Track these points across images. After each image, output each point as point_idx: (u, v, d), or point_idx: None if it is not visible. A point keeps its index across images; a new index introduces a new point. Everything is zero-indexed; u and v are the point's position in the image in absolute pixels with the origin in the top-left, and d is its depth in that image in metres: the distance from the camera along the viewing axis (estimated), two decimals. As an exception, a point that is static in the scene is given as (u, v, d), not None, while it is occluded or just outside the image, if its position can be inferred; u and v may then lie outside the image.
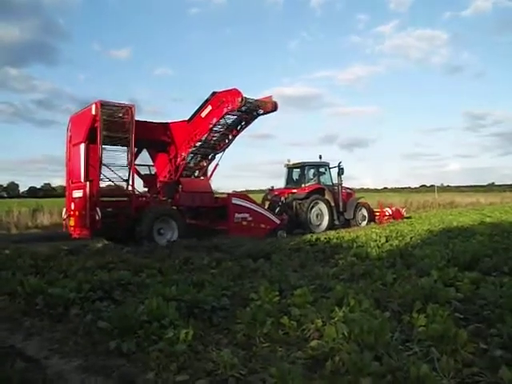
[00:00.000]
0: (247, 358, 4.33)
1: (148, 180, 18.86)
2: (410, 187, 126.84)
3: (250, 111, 19.14)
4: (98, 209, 15.05)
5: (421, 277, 6.91)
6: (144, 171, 18.99)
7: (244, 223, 18.14)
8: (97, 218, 14.95)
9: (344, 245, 12.50)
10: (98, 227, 15.04)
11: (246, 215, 18.28)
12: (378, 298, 6.04)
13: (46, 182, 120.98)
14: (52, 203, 30.88)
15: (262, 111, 19.41)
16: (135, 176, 17.44)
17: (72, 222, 16.59)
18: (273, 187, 23.67)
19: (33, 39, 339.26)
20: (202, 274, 8.11)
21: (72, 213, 16.56)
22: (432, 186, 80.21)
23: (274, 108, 19.54)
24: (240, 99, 17.83)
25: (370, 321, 4.44)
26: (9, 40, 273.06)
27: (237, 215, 18.03)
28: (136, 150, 17.26)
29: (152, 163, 19.47)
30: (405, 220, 24.12)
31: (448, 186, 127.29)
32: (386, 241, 12.57)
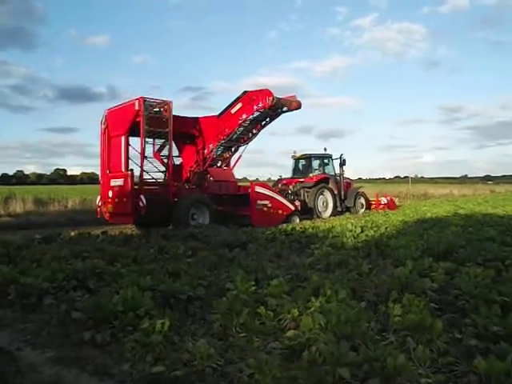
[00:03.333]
0: (224, 348, 4.32)
1: (174, 169, 19.31)
2: (384, 178, 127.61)
3: (275, 109, 20.33)
4: (142, 196, 16.36)
5: (396, 267, 6.97)
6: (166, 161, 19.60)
7: (265, 209, 19.31)
8: (141, 204, 16.21)
9: (320, 235, 12.54)
10: (143, 213, 16.28)
11: (267, 202, 19.49)
12: (354, 288, 6.06)
13: (19, 169, 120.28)
14: (25, 191, 30.65)
15: (286, 109, 20.66)
16: (159, 165, 18.57)
17: (111, 209, 17.77)
18: (281, 176, 25.10)
19: (8, 23, 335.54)
20: (177, 264, 8.08)
21: (110, 200, 17.65)
22: (406, 177, 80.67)
23: (298, 106, 20.96)
24: (272, 98, 19.27)
25: (347, 311, 4.45)
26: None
27: (259, 202, 19.24)
28: (163, 141, 18.65)
29: (178, 154, 20.48)
30: (379, 211, 24.68)
31: (422, 177, 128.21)
32: (362, 231, 12.61)
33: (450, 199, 40.39)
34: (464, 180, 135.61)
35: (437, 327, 4.19)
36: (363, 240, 10.77)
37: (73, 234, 14.06)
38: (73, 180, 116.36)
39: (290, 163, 25.76)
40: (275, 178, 25.04)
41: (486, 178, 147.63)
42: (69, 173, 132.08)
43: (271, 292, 5.70)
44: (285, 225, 15.87)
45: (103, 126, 18.42)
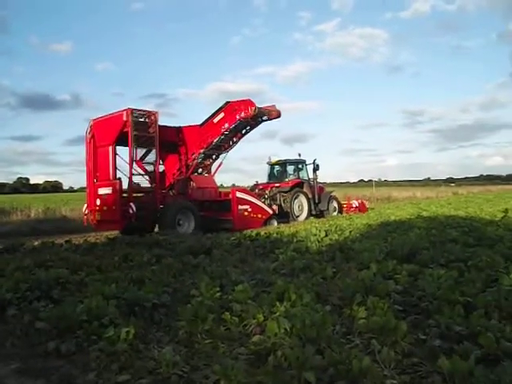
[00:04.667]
0: (189, 355, 4.29)
1: (151, 177, 19.71)
2: (348, 182, 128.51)
3: (256, 118, 21.68)
4: (131, 204, 17.28)
5: (360, 270, 7.00)
6: (150, 169, 19.90)
7: (245, 214, 20.42)
8: (131, 211, 17.10)
9: (284, 239, 12.56)
10: (133, 220, 17.23)
11: (247, 207, 20.60)
12: (319, 292, 6.09)
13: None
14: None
15: (266, 118, 22.17)
16: (143, 173, 19.20)
17: (98, 217, 18.48)
18: (257, 182, 26.00)
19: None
20: (142, 271, 8.02)
21: (98, 208, 18.42)
22: (370, 180, 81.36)
23: (278, 115, 22.57)
24: (254, 108, 20.55)
25: (312, 315, 4.46)
26: None
27: (240, 207, 20.29)
28: (145, 150, 19.11)
29: (161, 162, 20.86)
30: (344, 215, 25.12)
31: (385, 180, 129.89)
32: (326, 235, 12.66)
33: (413, 202, 40.77)
34: (427, 183, 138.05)
35: (401, 329, 4.22)
36: (327, 244, 10.82)
37: (36, 243, 13.89)
38: (36, 189, 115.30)
39: (266, 168, 26.39)
40: (239, 184, 25.47)
41: (449, 181, 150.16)
42: (32, 181, 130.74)
43: (236, 298, 5.69)
44: (249, 230, 15.87)
45: (88, 136, 19.00)
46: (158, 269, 8.40)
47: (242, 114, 20.73)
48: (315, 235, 12.59)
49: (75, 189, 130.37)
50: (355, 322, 4.71)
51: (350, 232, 13.32)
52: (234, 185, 26.68)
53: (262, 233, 14.32)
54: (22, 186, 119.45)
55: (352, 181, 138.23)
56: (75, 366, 4.22)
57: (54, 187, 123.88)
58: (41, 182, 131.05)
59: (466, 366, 3.37)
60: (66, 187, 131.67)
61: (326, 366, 3.58)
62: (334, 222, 17.53)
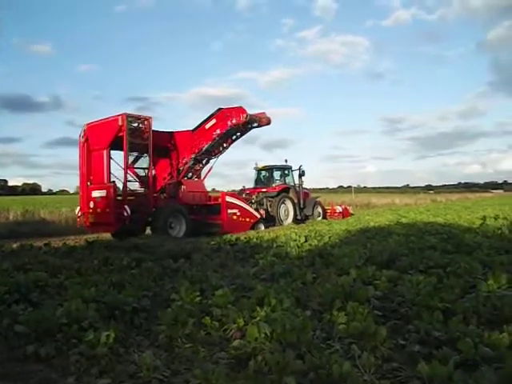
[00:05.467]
0: (170, 359, 4.27)
1: (144, 181, 19.98)
2: (327, 187, 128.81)
3: (247, 125, 22.19)
4: (126, 206, 17.57)
5: (340, 276, 7.02)
6: (140, 173, 20.18)
7: (234, 217, 20.89)
8: (125, 214, 17.42)
9: (264, 245, 12.57)
10: (127, 222, 17.55)
11: (236, 211, 21.10)
12: (299, 297, 6.09)
13: None
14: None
15: (257, 125, 22.86)
16: (135, 177, 19.70)
17: (92, 219, 18.80)
18: (244, 187, 26.18)
19: None
20: (121, 275, 7.99)
21: (91, 210, 18.70)
22: (349, 186, 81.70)
23: (268, 122, 23.45)
24: (245, 116, 21.23)
25: (292, 320, 4.47)
26: None
27: (229, 211, 20.77)
28: (137, 154, 19.73)
29: (153, 166, 20.99)
30: (323, 220, 25.28)
31: (365, 187, 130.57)
32: (306, 240, 12.67)
33: (392, 208, 41.01)
34: (406, 189, 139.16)
35: (381, 334, 4.25)
36: (307, 249, 10.83)
37: (15, 246, 13.72)
38: (14, 191, 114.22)
39: (253, 174, 26.77)
40: (219, 189, 25.71)
41: (427, 188, 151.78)
42: (10, 183, 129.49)
43: (216, 302, 5.69)
44: (229, 235, 15.86)
45: (82, 140, 19.22)
46: (137, 273, 8.37)
47: (234, 121, 21.24)
48: (295, 240, 12.61)
49: (54, 191, 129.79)
50: (335, 327, 4.72)
51: (330, 238, 13.34)
52: (213, 189, 27.21)
53: (242, 237, 14.30)
54: (1, 188, 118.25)
55: (331, 187, 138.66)
56: (54, 369, 4.17)
57: (33, 189, 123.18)
58: (19, 184, 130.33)
59: (445, 370, 3.40)
60: (44, 189, 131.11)
61: (307, 370, 3.59)
62: (313, 228, 17.60)
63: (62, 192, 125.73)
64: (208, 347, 4.56)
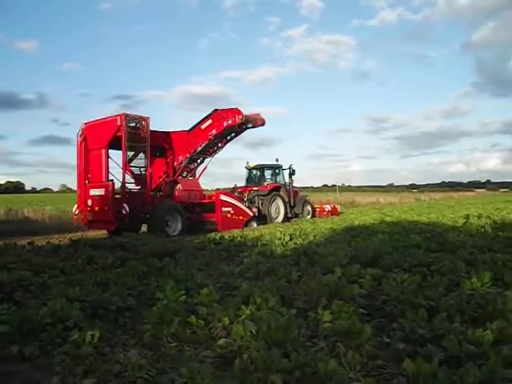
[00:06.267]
0: (155, 358, 4.27)
1: (141, 179, 20.39)
2: (312, 186, 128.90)
3: (242, 125, 22.47)
4: (125, 204, 18.04)
5: (325, 274, 7.04)
6: (136, 172, 20.49)
7: (228, 215, 21.18)
8: (124, 212, 17.92)
9: (248, 243, 12.54)
10: (126, 220, 18.02)
11: (230, 209, 21.40)
12: (284, 296, 6.10)
13: None
14: None
15: (251, 125, 23.09)
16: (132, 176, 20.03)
17: (90, 217, 19.15)
18: (236, 185, 26.89)
19: None
20: (106, 274, 7.94)
21: (89, 208, 19.00)
22: (334, 185, 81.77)
23: (263, 123, 23.59)
24: (241, 117, 21.41)
25: (277, 318, 4.46)
26: None
27: (223, 209, 21.07)
28: (137, 153, 20.06)
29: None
30: (308, 219, 25.26)
31: (349, 185, 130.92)
32: (290, 239, 12.67)
33: (376, 207, 41.21)
34: (390, 188, 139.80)
35: (366, 332, 4.27)
36: (292, 248, 10.84)
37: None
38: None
39: (245, 172, 27.38)
40: (205, 187, 25.88)
41: (412, 187, 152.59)
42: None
43: (201, 301, 5.68)
44: (213, 233, 15.85)
45: (80, 139, 19.60)
46: (122, 271, 8.31)
47: (229, 122, 21.55)
48: (280, 239, 12.61)
49: (38, 189, 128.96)
50: (320, 326, 4.74)
51: (315, 236, 13.34)
52: (236, 185, 27.16)
53: (226, 236, 14.26)
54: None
55: (316, 185, 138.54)
56: (39, 369, 4.15)
57: (16, 188, 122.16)
58: (3, 182, 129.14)
59: (429, 367, 3.42)
60: (28, 188, 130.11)
61: (293, 368, 3.59)
62: (298, 227, 17.57)
63: (46, 190, 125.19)
64: (193, 346, 4.56)
